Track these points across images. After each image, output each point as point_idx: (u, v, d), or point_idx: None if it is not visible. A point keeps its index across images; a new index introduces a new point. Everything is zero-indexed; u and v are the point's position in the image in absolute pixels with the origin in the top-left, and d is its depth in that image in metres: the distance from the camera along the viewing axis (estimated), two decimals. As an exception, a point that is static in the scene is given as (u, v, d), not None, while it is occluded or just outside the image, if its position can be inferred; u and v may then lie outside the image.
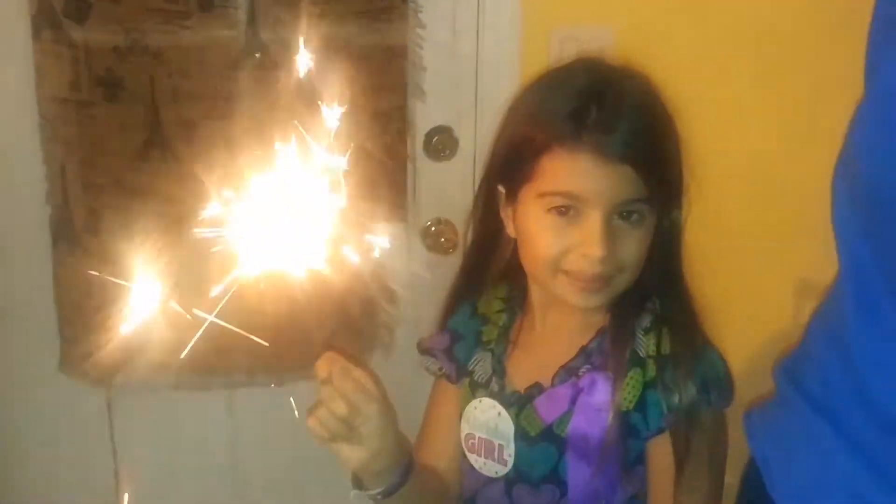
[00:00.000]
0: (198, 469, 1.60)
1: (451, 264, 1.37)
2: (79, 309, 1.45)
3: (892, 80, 0.80)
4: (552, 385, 1.10)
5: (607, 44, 1.37)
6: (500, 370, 1.14)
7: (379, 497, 1.02)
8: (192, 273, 0.83)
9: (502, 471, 1.13)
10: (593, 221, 1.02)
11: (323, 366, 0.96)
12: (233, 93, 1.38)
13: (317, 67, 1.39)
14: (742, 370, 1.18)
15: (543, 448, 1.10)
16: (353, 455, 0.98)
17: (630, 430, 1.07)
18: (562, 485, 1.10)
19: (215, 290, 0.84)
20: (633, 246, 1.05)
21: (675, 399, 1.04)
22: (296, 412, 1.00)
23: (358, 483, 1.03)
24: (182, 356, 0.85)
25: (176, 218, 1.23)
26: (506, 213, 1.12)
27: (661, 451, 1.07)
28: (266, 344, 0.90)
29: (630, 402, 1.06)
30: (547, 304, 1.13)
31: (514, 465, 1.12)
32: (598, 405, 1.06)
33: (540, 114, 1.06)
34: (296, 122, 0.90)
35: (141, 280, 0.85)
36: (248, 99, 1.37)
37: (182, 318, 0.84)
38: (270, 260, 0.85)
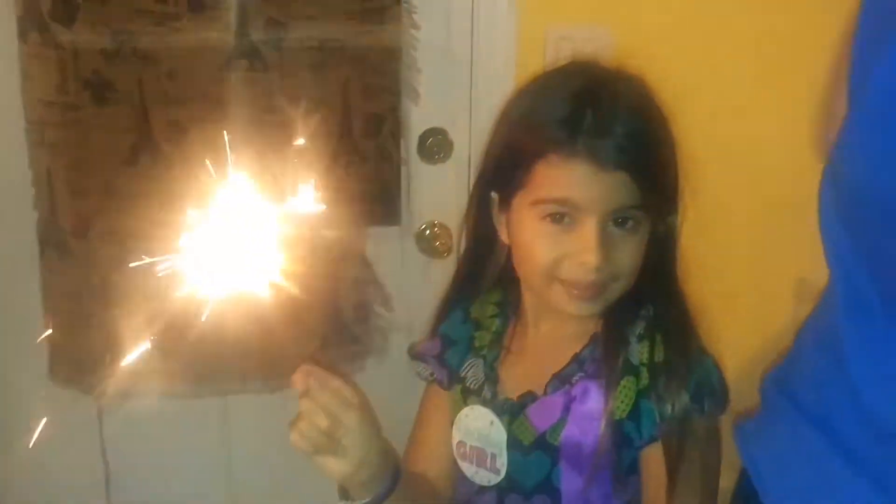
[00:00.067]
0: (190, 477, 1.59)
1: (446, 268, 1.37)
2: (68, 316, 1.44)
3: (887, 81, 0.79)
4: (545, 393, 1.10)
5: (603, 44, 1.37)
6: (492, 377, 1.14)
7: (366, 507, 1.02)
8: (181, 279, 0.82)
9: (495, 479, 1.13)
10: (588, 229, 1.01)
11: (300, 379, 0.95)
12: (224, 95, 1.36)
13: (308, 69, 1.38)
14: (742, 374, 1.18)
15: (536, 457, 1.10)
16: (337, 466, 0.98)
17: (623, 439, 1.07)
18: (555, 494, 1.10)
19: (206, 296, 0.83)
20: (629, 253, 1.04)
21: (668, 408, 1.04)
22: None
23: (344, 494, 1.03)
24: (175, 362, 0.84)
25: (166, 223, 1.22)
26: (499, 220, 1.12)
27: (654, 460, 1.07)
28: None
29: (623, 410, 1.06)
30: (540, 310, 1.13)
31: (507, 473, 1.12)
32: (592, 414, 1.06)
33: (534, 119, 1.06)
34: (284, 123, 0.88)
35: (130, 286, 0.84)
36: (240, 101, 1.36)
37: (173, 325, 0.83)
38: (261, 265, 0.85)
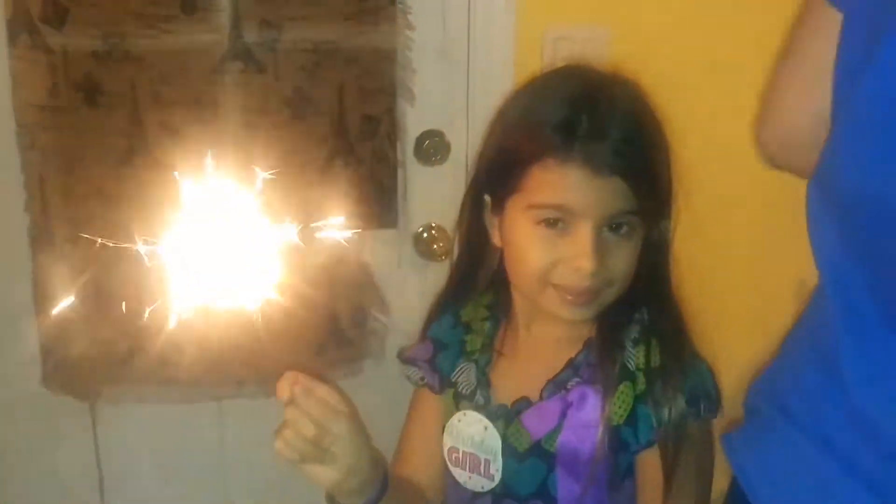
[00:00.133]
0: (186, 482, 1.58)
1: (444, 271, 1.36)
2: (61, 321, 1.42)
3: (879, 88, 0.78)
4: (540, 399, 1.10)
5: (602, 44, 1.36)
6: (484, 382, 1.14)
7: (355, 515, 1.01)
8: (176, 283, 0.82)
9: (489, 485, 1.13)
10: (584, 234, 1.01)
11: (284, 386, 0.94)
12: (217, 98, 1.35)
13: (302, 71, 1.37)
14: (742, 377, 1.17)
15: (532, 463, 1.10)
16: (325, 475, 0.97)
17: (620, 444, 1.07)
18: (550, 500, 1.10)
19: (201, 301, 0.82)
20: (623, 258, 1.05)
21: (665, 413, 1.05)
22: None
23: (332, 501, 1.02)
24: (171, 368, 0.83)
25: (160, 227, 1.21)
26: (492, 223, 1.12)
27: (650, 464, 1.07)
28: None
29: (621, 416, 1.06)
30: (531, 314, 1.13)
31: (502, 480, 1.12)
32: (589, 420, 1.06)
33: (529, 124, 1.06)
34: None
35: (124, 291, 0.83)
36: (233, 104, 1.35)
37: (168, 329, 0.83)
38: (257, 269, 0.84)
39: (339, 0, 1.37)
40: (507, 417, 1.11)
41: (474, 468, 1.13)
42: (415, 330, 1.29)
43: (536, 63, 1.35)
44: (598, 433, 1.05)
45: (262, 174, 0.83)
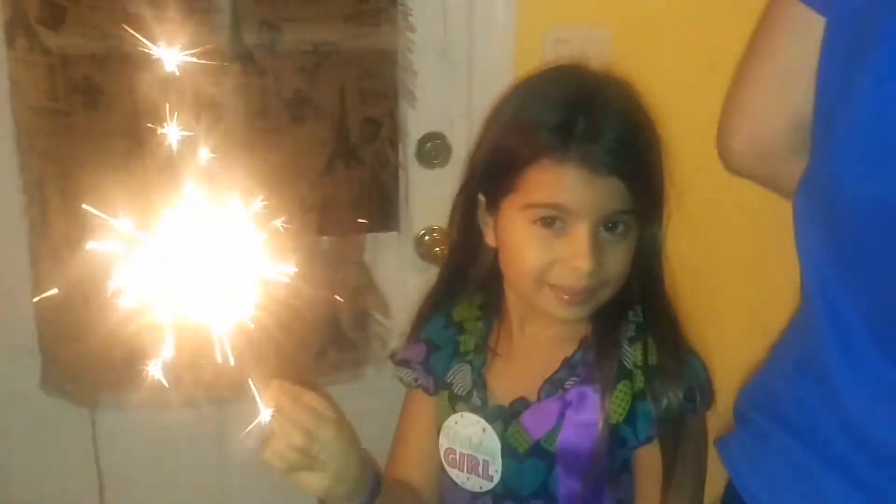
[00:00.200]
0: (186, 487, 1.57)
1: (445, 274, 1.35)
2: (60, 326, 1.42)
3: (877, 90, 0.77)
4: (538, 399, 1.11)
5: (602, 45, 1.36)
6: (480, 383, 1.14)
7: (348, 521, 1.02)
8: (175, 287, 0.82)
9: (487, 486, 1.13)
10: (581, 234, 1.02)
11: (270, 396, 0.93)
12: (217, 100, 1.34)
13: (303, 73, 1.37)
14: (735, 373, 1.17)
15: (532, 464, 1.11)
16: (315, 483, 0.97)
17: (619, 442, 1.08)
18: (551, 499, 1.11)
19: (201, 304, 0.82)
20: (619, 258, 1.06)
21: (664, 408, 1.06)
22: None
23: None
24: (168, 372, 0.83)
25: (159, 230, 1.20)
26: (486, 223, 1.12)
27: (648, 459, 1.09)
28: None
29: (620, 415, 1.07)
30: (525, 313, 1.14)
31: (503, 481, 1.13)
32: (588, 420, 1.07)
33: (525, 124, 1.07)
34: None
35: (124, 294, 0.82)
36: (233, 106, 1.34)
37: (167, 333, 0.83)
38: (258, 272, 0.84)
39: (340, 1, 1.37)
40: (505, 418, 1.12)
41: (472, 469, 1.14)
42: (416, 332, 1.28)
43: (537, 65, 1.34)
44: (598, 432, 1.06)
45: (263, 177, 0.83)
